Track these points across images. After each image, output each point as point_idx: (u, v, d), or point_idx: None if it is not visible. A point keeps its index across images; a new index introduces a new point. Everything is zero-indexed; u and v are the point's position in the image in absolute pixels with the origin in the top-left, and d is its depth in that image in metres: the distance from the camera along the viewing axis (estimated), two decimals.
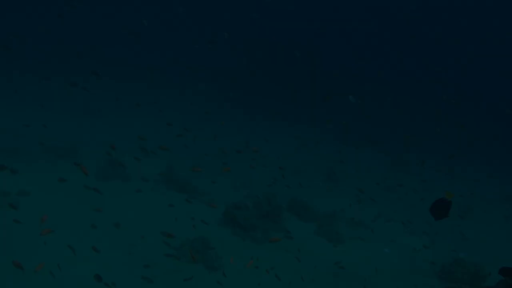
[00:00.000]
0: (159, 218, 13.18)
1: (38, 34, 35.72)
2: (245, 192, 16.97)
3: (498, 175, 27.03)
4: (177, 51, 41.27)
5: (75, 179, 14.51)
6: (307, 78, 29.81)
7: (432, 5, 46.65)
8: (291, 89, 27.16)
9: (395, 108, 31.02)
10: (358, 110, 27.85)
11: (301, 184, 18.75)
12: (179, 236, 11.87)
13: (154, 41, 42.00)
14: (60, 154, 16.64)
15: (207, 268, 10.94)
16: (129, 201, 13.89)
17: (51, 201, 12.75)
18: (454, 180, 24.56)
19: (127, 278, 9.89)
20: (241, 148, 22.41)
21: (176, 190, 15.65)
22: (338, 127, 28.96)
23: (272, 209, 14.05)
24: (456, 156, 25.67)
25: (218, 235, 12.82)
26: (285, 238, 12.99)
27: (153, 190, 15.34)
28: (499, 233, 17.91)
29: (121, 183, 15.41)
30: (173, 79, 35.32)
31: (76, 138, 19.29)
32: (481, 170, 27.06)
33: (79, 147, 17.42)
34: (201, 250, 11.25)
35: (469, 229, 17.52)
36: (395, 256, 13.80)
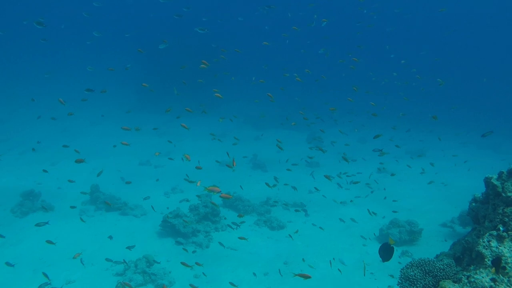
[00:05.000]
0: (96, 241, 12.43)
1: None
2: (177, 197, 16.58)
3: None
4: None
5: None
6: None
7: None
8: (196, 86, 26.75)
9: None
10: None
11: (231, 174, 18.69)
12: (121, 256, 11.28)
13: None
14: None
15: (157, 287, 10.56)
16: (57, 231, 12.94)
17: None
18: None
19: None
20: (164, 154, 21.81)
21: (105, 210, 14.85)
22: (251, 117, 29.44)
23: (210, 210, 13.88)
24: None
25: (160, 248, 12.40)
26: (228, 237, 12.94)
27: (82, 215, 14.43)
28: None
29: (42, 214, 14.30)
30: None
31: None
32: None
33: None
34: (147, 269, 10.81)
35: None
36: (335, 228, 14.34)
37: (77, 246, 12.08)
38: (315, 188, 17.32)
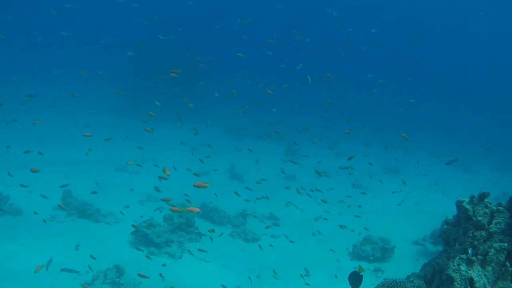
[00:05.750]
0: (65, 249, 12.13)
1: None
2: (152, 206, 16.38)
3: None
4: None
5: None
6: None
7: None
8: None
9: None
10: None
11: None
12: (91, 265, 11.03)
13: None
14: None
15: None
16: (23, 237, 12.58)
17: None
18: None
19: None
20: (140, 162, 21.54)
21: (77, 216, 14.54)
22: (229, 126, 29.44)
23: (185, 220, 13.74)
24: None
25: (132, 258, 12.18)
26: (202, 249, 12.81)
27: (51, 221, 14.08)
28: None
29: (11, 218, 13.90)
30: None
31: None
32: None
33: None
34: (117, 279, 10.60)
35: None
36: (306, 245, 14.38)
37: (44, 253, 11.75)
38: (290, 202, 17.40)
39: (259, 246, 13.65)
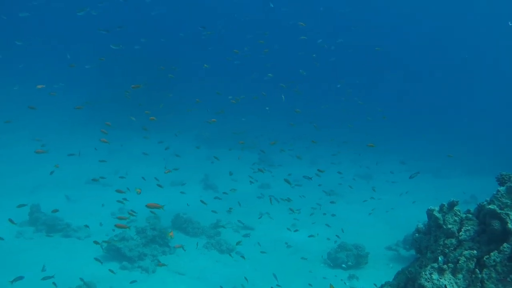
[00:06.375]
0: (33, 266, 11.73)
1: None
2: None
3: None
4: None
5: None
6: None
7: None
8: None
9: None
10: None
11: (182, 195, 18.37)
12: (60, 282, 10.67)
13: None
14: None
15: None
16: None
17: None
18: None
19: None
20: (112, 174, 21.16)
21: (46, 232, 14.13)
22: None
23: (158, 233, 13.53)
24: None
25: (103, 273, 11.88)
26: (176, 261, 12.65)
27: (19, 237, 13.64)
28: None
29: None
30: None
31: None
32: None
33: None
34: None
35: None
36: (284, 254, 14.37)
37: (11, 272, 11.33)
38: (264, 212, 17.40)
39: (234, 257, 13.56)
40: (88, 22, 38.65)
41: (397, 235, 16.10)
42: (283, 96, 18.30)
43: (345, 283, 12.60)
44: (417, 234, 6.50)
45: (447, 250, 5.61)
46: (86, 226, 13.97)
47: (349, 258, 13.67)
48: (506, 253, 5.07)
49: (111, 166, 22.09)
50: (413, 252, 12.87)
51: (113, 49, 15.15)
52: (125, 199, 13.28)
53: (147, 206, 9.95)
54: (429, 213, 6.17)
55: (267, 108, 25.62)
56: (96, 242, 11.40)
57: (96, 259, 11.71)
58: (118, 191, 12.67)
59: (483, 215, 5.73)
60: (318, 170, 13.97)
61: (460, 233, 5.70)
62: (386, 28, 61.74)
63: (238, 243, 13.29)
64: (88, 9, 16.17)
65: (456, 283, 5.10)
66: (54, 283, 9.98)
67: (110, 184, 19.69)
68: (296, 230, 15.80)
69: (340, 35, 42.28)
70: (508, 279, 4.88)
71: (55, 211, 12.92)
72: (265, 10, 50.48)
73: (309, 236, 14.61)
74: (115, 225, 10.11)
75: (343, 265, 13.45)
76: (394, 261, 14.50)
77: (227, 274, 12.67)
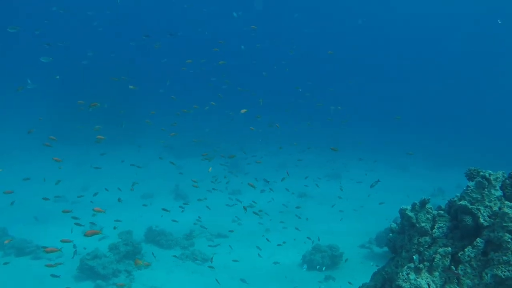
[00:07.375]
0: None
1: None
2: (96, 236, 15.65)
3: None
4: None
5: None
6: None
7: None
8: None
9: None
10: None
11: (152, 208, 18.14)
12: None
13: None
14: None
15: None
16: None
17: None
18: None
19: None
20: (80, 190, 20.66)
21: (15, 255, 13.63)
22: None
23: (131, 248, 13.28)
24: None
25: None
26: (151, 275, 12.44)
27: None
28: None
29: None
30: None
31: None
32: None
33: None
34: None
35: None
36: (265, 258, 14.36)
37: None
38: (237, 217, 17.35)
39: (209, 266, 13.45)
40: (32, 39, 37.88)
41: (369, 232, 16.41)
42: (261, 100, 18.56)
43: (320, 286, 12.70)
44: (391, 234, 6.62)
45: (421, 249, 5.74)
46: (60, 250, 13.56)
47: (324, 259, 13.80)
48: (480, 247, 5.24)
49: (78, 183, 21.61)
50: (386, 249, 13.13)
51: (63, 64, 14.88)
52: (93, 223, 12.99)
53: (85, 235, 9.65)
54: (402, 212, 6.29)
55: (231, 113, 25.64)
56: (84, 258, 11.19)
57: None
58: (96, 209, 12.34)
59: (454, 211, 5.89)
60: (282, 179, 14.12)
61: (434, 230, 5.84)
62: (344, 34, 63.47)
63: (213, 254, 13.21)
64: (18, 28, 15.62)
65: (433, 281, 5.23)
66: None
67: (79, 201, 19.19)
68: (266, 237, 15.84)
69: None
70: (483, 274, 5.03)
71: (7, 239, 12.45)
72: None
73: (282, 243, 14.74)
74: (85, 233, 9.68)
75: (318, 267, 13.57)
76: (368, 258, 14.74)
77: (203, 284, 12.55)
